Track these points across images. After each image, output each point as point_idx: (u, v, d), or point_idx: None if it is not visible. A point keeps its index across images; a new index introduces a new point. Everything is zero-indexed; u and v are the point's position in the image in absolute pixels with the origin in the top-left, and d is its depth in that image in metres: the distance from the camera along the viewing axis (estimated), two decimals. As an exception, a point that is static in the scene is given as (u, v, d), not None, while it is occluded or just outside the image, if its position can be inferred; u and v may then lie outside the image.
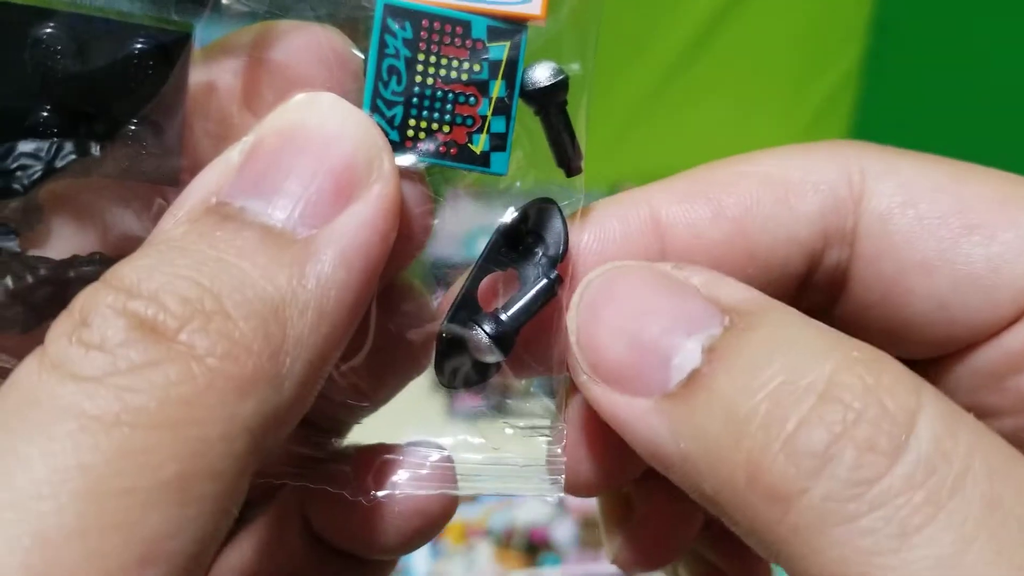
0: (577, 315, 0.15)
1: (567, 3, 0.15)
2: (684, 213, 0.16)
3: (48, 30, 0.14)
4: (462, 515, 0.55)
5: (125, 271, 0.12)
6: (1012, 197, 0.16)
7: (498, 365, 0.16)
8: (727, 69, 0.89)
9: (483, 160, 0.15)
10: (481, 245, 0.16)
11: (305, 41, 0.15)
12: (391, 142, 0.15)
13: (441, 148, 0.15)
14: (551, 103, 0.15)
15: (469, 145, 0.15)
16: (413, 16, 0.15)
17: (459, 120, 0.15)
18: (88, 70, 0.14)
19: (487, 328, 0.15)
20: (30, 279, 0.13)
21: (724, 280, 0.15)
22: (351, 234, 0.13)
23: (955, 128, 0.75)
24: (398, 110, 0.15)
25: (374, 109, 0.15)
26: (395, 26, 0.15)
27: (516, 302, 0.16)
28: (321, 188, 0.13)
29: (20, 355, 0.14)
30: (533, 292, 0.16)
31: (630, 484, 0.18)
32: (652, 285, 0.15)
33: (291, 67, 0.14)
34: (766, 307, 0.14)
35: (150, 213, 0.14)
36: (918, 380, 0.13)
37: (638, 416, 0.14)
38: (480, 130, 0.15)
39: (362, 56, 0.15)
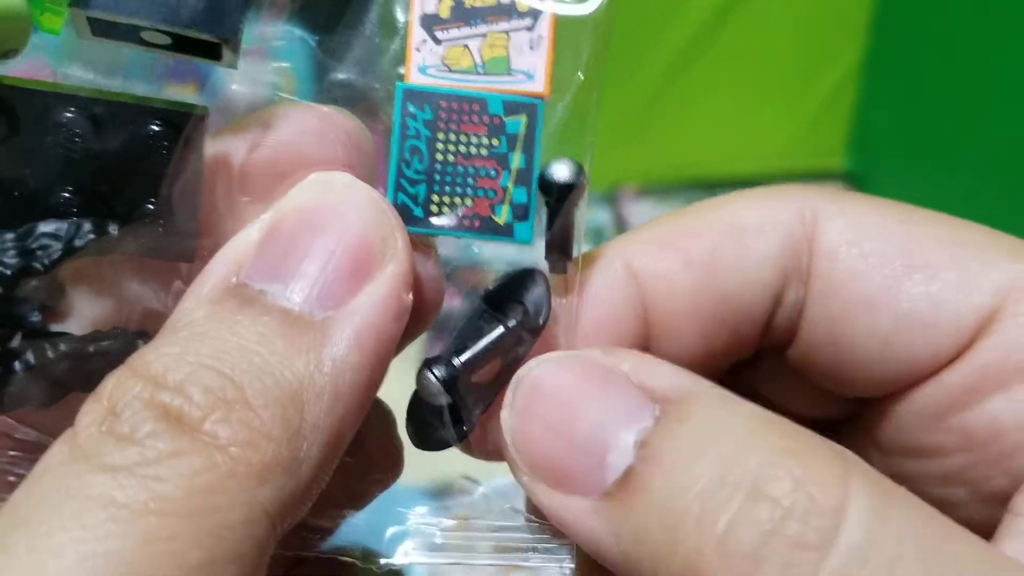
0: (510, 415, 0.15)
1: (572, 81, 0.16)
2: (656, 264, 0.17)
3: (68, 114, 0.14)
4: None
5: (152, 359, 0.13)
6: (956, 239, 0.16)
7: (465, 429, 0.16)
8: (728, 69, 0.89)
9: (507, 231, 0.16)
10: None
11: (316, 122, 0.15)
12: (415, 219, 0.15)
13: (465, 221, 0.15)
14: (564, 199, 0.16)
15: (492, 217, 0.15)
16: (431, 98, 0.15)
17: (481, 193, 0.15)
18: (107, 152, 0.14)
19: (435, 370, 0.15)
20: (51, 354, 0.14)
21: (652, 364, 0.15)
22: (366, 315, 0.13)
23: (956, 126, 0.76)
24: (421, 188, 0.15)
25: (398, 188, 0.15)
26: (414, 109, 0.15)
27: (471, 347, 0.16)
28: (337, 269, 0.14)
29: (41, 427, 0.14)
30: (489, 337, 0.16)
31: None
32: (581, 377, 0.15)
33: (303, 147, 0.15)
34: (695, 393, 0.14)
35: (168, 289, 0.15)
36: (847, 464, 0.13)
37: (578, 516, 0.14)
38: (502, 201, 0.16)
39: (370, 134, 0.15)
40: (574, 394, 0.14)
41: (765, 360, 0.18)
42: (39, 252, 0.14)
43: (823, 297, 0.16)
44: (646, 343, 0.16)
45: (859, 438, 0.17)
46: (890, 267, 0.16)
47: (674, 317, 0.16)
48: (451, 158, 0.15)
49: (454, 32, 0.15)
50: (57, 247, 0.14)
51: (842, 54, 0.92)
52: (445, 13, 0.15)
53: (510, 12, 0.15)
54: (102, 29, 0.14)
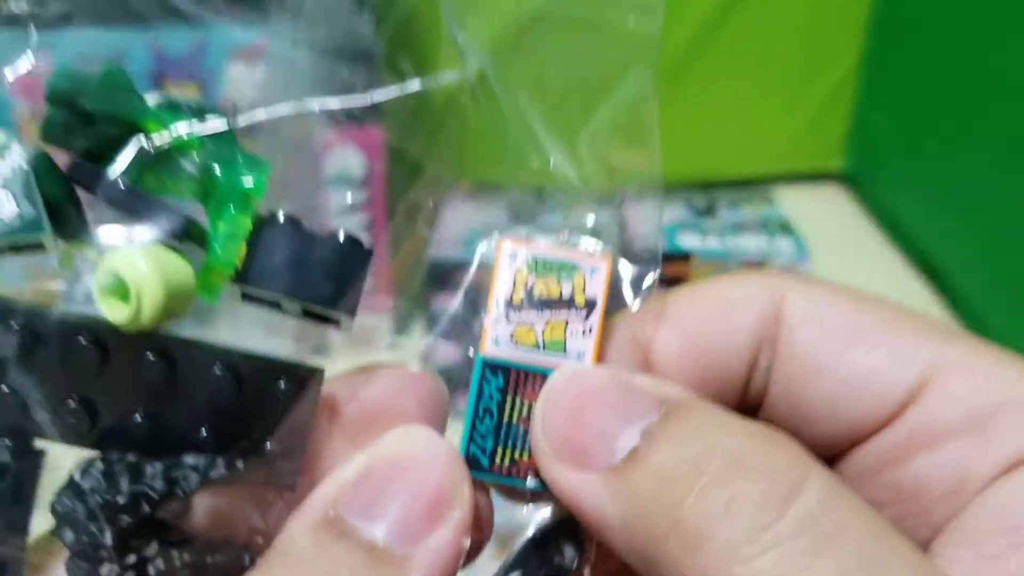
0: (543, 406, 0.18)
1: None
2: (655, 334, 0.20)
3: (216, 367, 0.17)
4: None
5: None
6: (894, 322, 0.19)
7: None
8: (726, 71, 0.89)
9: None
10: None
11: (406, 381, 0.19)
12: (482, 468, 0.19)
13: (522, 473, 0.19)
14: None
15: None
16: (505, 369, 0.19)
17: None
18: (241, 399, 0.17)
19: None
20: (178, 563, 0.17)
21: (665, 382, 0.18)
22: (437, 553, 0.17)
23: (955, 128, 0.76)
24: (489, 442, 0.19)
25: (471, 441, 0.19)
26: (490, 376, 0.19)
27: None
28: (417, 511, 0.17)
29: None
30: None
31: None
32: (606, 382, 0.18)
33: (394, 402, 0.18)
34: (694, 401, 0.17)
35: (271, 511, 0.18)
36: (809, 456, 0.16)
37: (587, 487, 0.17)
38: None
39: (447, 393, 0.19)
40: (598, 392, 0.18)
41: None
42: (181, 481, 0.17)
43: (784, 363, 0.19)
44: None
45: None
46: (837, 340, 0.19)
47: (671, 378, 0.19)
48: (515, 420, 0.19)
49: (524, 315, 0.19)
50: (195, 478, 0.17)
51: (841, 56, 0.91)
52: (518, 300, 0.19)
53: (570, 305, 0.19)
54: (250, 299, 0.18)
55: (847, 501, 0.16)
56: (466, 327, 0.20)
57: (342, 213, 0.65)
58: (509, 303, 0.19)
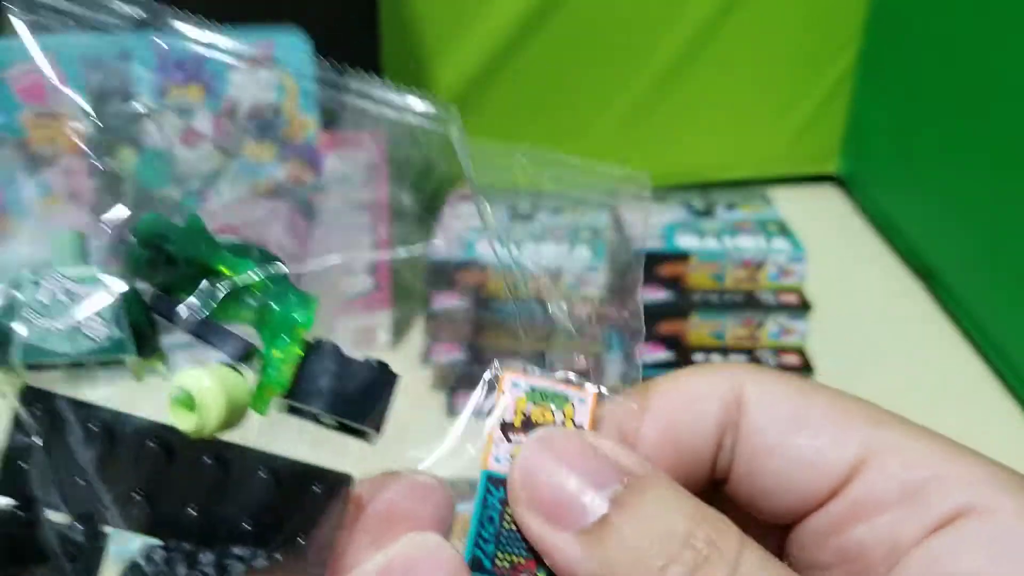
0: (520, 461, 0.21)
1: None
2: (631, 423, 0.22)
3: (262, 472, 0.20)
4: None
5: None
6: (836, 408, 0.21)
7: None
8: (725, 73, 0.92)
9: None
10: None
11: (417, 490, 0.21)
12: (485, 569, 0.21)
13: (521, 574, 0.21)
14: None
15: (537, 574, 0.21)
16: (505, 483, 0.21)
17: (532, 555, 0.21)
18: (281, 500, 0.20)
19: None
20: None
21: (622, 449, 0.21)
22: None
23: (950, 132, 0.78)
24: (491, 547, 0.21)
25: (476, 545, 0.21)
26: (493, 489, 0.21)
27: None
28: None
29: None
30: None
31: None
32: (576, 446, 0.20)
33: (407, 508, 0.21)
34: (651, 473, 0.20)
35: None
36: (742, 535, 0.19)
37: (561, 544, 0.20)
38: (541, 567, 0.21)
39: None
40: (570, 456, 0.20)
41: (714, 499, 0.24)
42: (230, 568, 0.19)
43: (743, 444, 0.22)
44: None
45: (779, 556, 0.23)
46: (785, 425, 0.21)
47: (644, 456, 0.21)
48: (514, 527, 0.21)
49: (521, 437, 0.22)
50: (241, 567, 0.19)
51: (836, 60, 0.93)
52: (517, 423, 0.22)
53: None
54: (294, 412, 0.21)
55: (776, 567, 0.19)
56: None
57: (344, 213, 0.66)
58: (509, 426, 0.22)
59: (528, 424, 0.22)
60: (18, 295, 0.19)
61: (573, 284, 0.65)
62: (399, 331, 0.72)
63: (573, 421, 0.22)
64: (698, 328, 0.68)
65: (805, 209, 0.89)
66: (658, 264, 0.69)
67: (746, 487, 0.22)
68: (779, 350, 0.69)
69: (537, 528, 0.20)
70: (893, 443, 0.21)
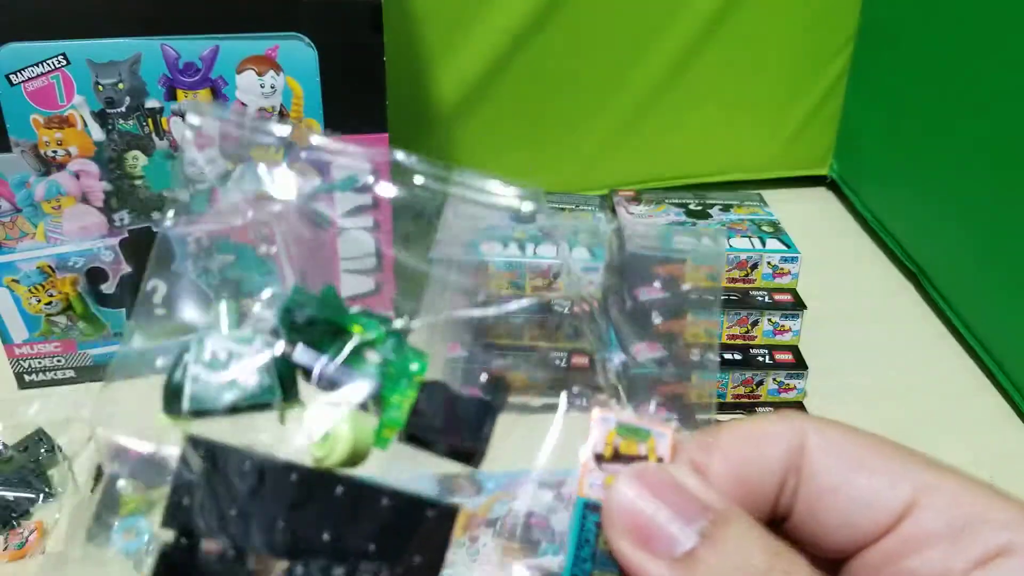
0: (615, 491, 0.23)
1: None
2: (707, 461, 0.24)
3: (384, 501, 0.23)
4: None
5: None
6: (890, 452, 0.23)
7: None
8: (720, 78, 0.93)
9: None
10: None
11: None
12: None
13: None
14: None
15: None
16: (599, 508, 0.24)
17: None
18: (400, 525, 0.23)
19: None
20: None
21: (705, 486, 0.23)
22: None
23: (938, 134, 0.80)
24: (588, 565, 0.24)
25: (574, 564, 0.24)
26: (589, 514, 0.24)
27: None
28: None
29: None
30: None
31: None
32: (665, 484, 0.23)
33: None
34: (733, 511, 0.22)
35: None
36: (813, 568, 0.21)
37: (653, 570, 0.22)
38: None
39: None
40: (661, 490, 0.23)
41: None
42: None
43: (806, 485, 0.23)
44: None
45: None
46: (846, 468, 0.23)
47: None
48: (608, 550, 0.23)
49: (611, 467, 0.24)
50: None
51: (829, 66, 0.95)
52: (608, 455, 0.24)
53: (645, 460, 0.24)
54: (412, 441, 0.24)
55: None
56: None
57: (349, 215, 0.67)
58: (600, 457, 0.24)
59: (617, 456, 0.24)
60: (188, 356, 0.23)
61: (572, 285, 0.67)
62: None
63: (656, 453, 0.24)
64: (693, 326, 0.69)
65: (798, 210, 0.90)
66: (655, 264, 0.70)
67: (808, 524, 0.24)
68: (773, 348, 0.70)
69: (630, 552, 0.23)
70: (942, 485, 0.22)
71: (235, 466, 0.23)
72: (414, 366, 0.24)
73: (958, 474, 0.23)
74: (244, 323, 0.24)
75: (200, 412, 0.23)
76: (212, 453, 0.23)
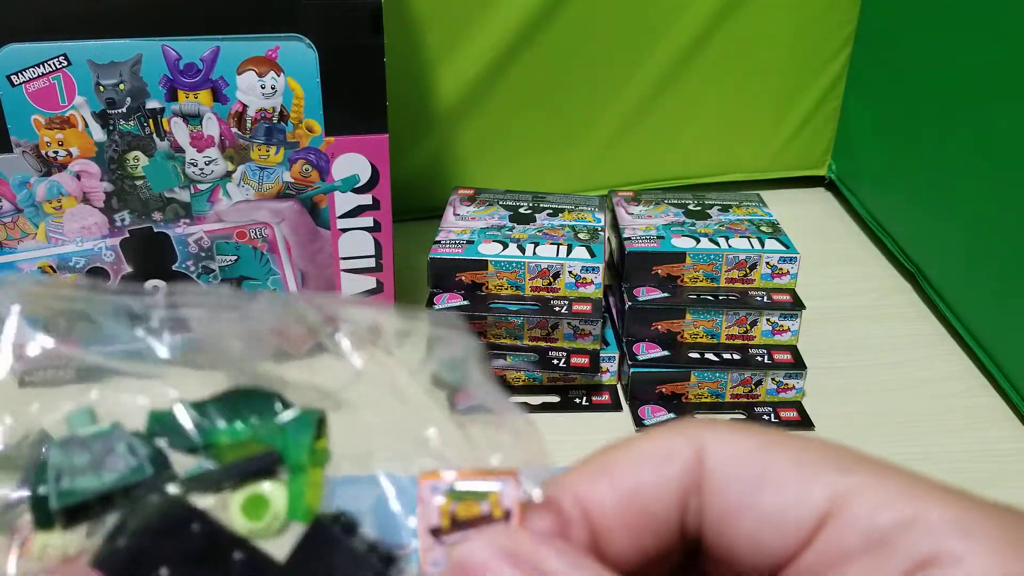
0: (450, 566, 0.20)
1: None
2: (593, 491, 0.22)
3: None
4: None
5: None
6: (799, 460, 0.21)
7: None
8: (718, 79, 0.93)
9: None
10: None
11: None
12: None
13: None
14: None
15: None
16: None
17: None
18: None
19: None
20: None
21: (545, 548, 0.20)
22: None
23: (936, 135, 0.79)
24: None
25: None
26: None
27: None
28: None
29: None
30: None
31: None
32: (495, 563, 0.20)
33: None
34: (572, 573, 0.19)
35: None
36: None
37: None
38: None
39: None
40: (493, 570, 0.20)
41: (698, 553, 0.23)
42: None
43: (709, 506, 0.21)
44: (595, 550, 0.21)
45: None
46: (749, 484, 0.21)
47: (610, 530, 0.21)
48: None
49: (453, 537, 0.21)
50: None
51: (827, 67, 0.95)
52: (446, 526, 0.21)
53: (490, 520, 0.21)
54: None
55: None
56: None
57: (348, 215, 0.67)
58: (438, 531, 0.22)
59: (457, 524, 0.21)
60: (46, 460, 0.23)
61: (571, 284, 0.67)
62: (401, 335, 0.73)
63: (500, 507, 0.21)
64: (692, 326, 0.70)
65: (797, 211, 0.90)
66: (654, 264, 0.70)
67: (718, 546, 0.22)
68: (772, 348, 0.71)
69: None
70: (860, 489, 0.20)
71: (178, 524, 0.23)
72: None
73: (881, 470, 0.20)
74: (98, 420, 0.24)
75: (73, 511, 0.23)
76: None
